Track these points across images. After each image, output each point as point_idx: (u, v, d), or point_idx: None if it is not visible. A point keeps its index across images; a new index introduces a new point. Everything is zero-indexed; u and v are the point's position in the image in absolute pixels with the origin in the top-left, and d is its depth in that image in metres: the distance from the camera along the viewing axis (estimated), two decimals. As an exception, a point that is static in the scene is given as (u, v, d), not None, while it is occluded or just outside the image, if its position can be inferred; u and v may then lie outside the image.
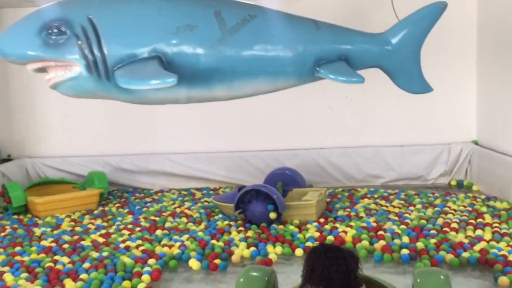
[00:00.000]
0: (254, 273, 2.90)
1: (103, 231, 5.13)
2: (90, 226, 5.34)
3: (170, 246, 4.59)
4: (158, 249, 4.53)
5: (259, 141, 7.05)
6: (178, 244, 4.63)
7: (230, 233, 4.92)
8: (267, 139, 7.04)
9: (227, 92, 3.98)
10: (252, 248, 4.44)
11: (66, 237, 4.96)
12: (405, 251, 4.19)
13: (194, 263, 4.21)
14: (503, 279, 3.67)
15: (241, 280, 2.83)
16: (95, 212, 5.92)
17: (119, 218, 5.58)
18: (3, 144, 7.16)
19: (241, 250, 4.40)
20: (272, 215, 5.06)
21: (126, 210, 5.93)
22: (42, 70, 3.82)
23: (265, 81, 4.01)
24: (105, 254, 4.43)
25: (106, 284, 3.79)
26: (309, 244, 4.51)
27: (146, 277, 3.90)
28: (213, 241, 4.66)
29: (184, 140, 7.10)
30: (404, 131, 6.96)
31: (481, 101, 6.77)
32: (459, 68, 6.84)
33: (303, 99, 6.89)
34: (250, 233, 4.87)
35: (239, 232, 4.94)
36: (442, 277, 2.73)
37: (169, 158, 7.02)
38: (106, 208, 6.06)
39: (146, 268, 4.06)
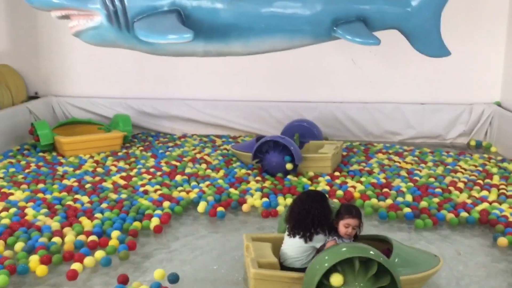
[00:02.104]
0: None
1: (124, 174, 5.32)
2: (112, 168, 5.54)
3: (188, 192, 4.78)
4: (176, 194, 4.72)
5: (279, 92, 7.09)
6: (196, 190, 4.81)
7: (248, 182, 5.07)
8: (287, 90, 7.08)
9: (244, 48, 4.02)
10: (264, 199, 4.60)
11: (88, 178, 5.17)
12: (407, 210, 4.30)
13: (201, 207, 4.43)
14: (502, 240, 3.77)
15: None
16: (119, 154, 6.13)
17: (142, 161, 5.78)
18: (30, 82, 7.38)
19: (253, 200, 4.56)
20: (289, 166, 5.19)
21: (149, 154, 6.13)
22: (66, 17, 3.91)
23: (282, 39, 4.02)
24: (123, 196, 4.64)
25: (117, 223, 4.00)
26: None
27: (155, 220, 4.11)
28: (231, 189, 4.82)
29: (203, 87, 7.20)
30: (426, 89, 6.89)
31: (508, 62, 6.60)
32: (488, 27, 6.64)
33: (326, 52, 6.81)
34: (267, 183, 5.01)
35: (257, 181, 5.08)
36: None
37: (189, 104, 7.16)
38: (130, 151, 6.27)
39: (157, 211, 4.27)
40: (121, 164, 5.70)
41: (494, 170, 5.46)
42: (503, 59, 6.68)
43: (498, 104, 6.73)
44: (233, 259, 3.57)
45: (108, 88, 7.31)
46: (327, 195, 3.24)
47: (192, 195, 4.69)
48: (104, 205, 4.41)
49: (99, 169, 5.49)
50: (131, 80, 7.29)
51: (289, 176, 5.23)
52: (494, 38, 6.66)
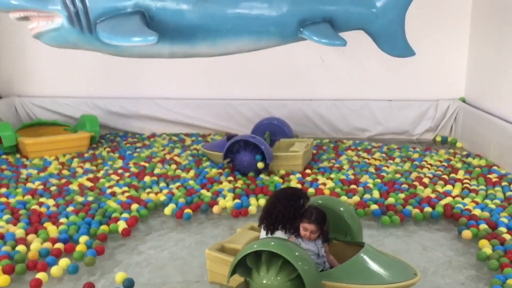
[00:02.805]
0: (282, 240, 2.94)
1: (91, 176, 5.22)
2: (78, 169, 5.43)
3: (157, 193, 4.72)
4: (144, 196, 4.66)
5: (249, 90, 7.08)
6: (165, 191, 4.75)
7: (220, 182, 5.03)
8: (256, 88, 7.07)
9: (210, 49, 3.98)
10: (236, 200, 4.56)
11: (53, 180, 5.04)
12: (375, 206, 4.36)
13: (168, 209, 4.38)
14: (466, 232, 3.87)
15: (284, 251, 2.75)
16: (85, 155, 6.01)
17: (109, 163, 5.68)
18: (-8, 82, 7.16)
19: (225, 202, 4.52)
20: (260, 165, 5.20)
21: (117, 155, 6.03)
22: (26, 18, 3.79)
23: (248, 40, 4.00)
24: (90, 198, 4.55)
25: (83, 228, 3.92)
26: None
27: (122, 223, 4.04)
28: (203, 191, 4.77)
29: (173, 86, 7.12)
30: (393, 85, 6.99)
31: (472, 59, 6.76)
32: (452, 26, 6.77)
33: (295, 49, 6.76)
34: (239, 183, 4.99)
35: (229, 181, 5.05)
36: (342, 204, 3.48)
37: (158, 103, 7.07)
38: (97, 152, 6.15)
39: (124, 215, 4.19)
40: (88, 165, 5.59)
41: (459, 165, 5.59)
42: (467, 56, 6.83)
43: (463, 100, 6.89)
44: (202, 262, 3.55)
45: (73, 87, 7.15)
46: (307, 195, 3.25)
47: (162, 197, 4.63)
48: (70, 208, 4.31)
49: (65, 171, 5.37)
50: (98, 79, 7.15)
51: (261, 175, 5.23)
52: (458, 36, 6.80)
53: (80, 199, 4.54)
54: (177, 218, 4.30)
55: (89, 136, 6.25)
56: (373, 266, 2.91)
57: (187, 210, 4.33)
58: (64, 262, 3.41)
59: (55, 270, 3.33)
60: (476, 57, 6.65)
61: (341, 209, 3.35)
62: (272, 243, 2.80)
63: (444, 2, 6.74)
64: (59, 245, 3.66)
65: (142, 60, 6.92)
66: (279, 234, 3.11)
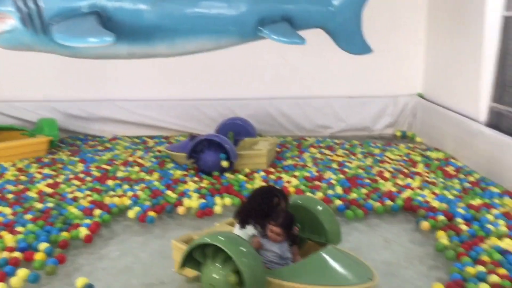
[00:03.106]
0: (231, 235, 2.98)
1: (50, 181, 5.07)
2: (37, 175, 5.26)
3: (121, 196, 4.63)
4: (108, 200, 4.57)
5: (211, 90, 7.06)
6: (130, 193, 4.67)
7: (185, 183, 4.99)
8: (219, 88, 7.06)
9: (169, 49, 3.96)
10: (201, 200, 4.53)
11: (10, 187, 4.87)
12: (339, 202, 4.43)
13: (131, 213, 4.31)
14: (425, 224, 3.99)
15: (229, 247, 2.80)
16: (44, 160, 5.84)
17: (70, 167, 5.54)
18: None
19: (191, 202, 4.49)
20: (224, 164, 5.19)
21: (77, 159, 5.89)
22: (-23, 20, 3.66)
23: (208, 39, 4.00)
24: (50, 205, 4.41)
25: (43, 236, 3.79)
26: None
27: (84, 229, 3.93)
28: (168, 192, 4.72)
29: (134, 87, 7.02)
30: (354, 83, 7.12)
31: (428, 56, 6.96)
32: (409, 23, 6.96)
33: (257, 49, 6.76)
34: (204, 183, 4.96)
35: (194, 182, 5.02)
36: (319, 203, 3.42)
37: (119, 105, 6.95)
38: (56, 156, 5.99)
39: (86, 221, 4.09)
40: (47, 170, 5.43)
41: (418, 158, 5.75)
42: (424, 53, 7.03)
43: (421, 96, 7.08)
44: (166, 264, 3.52)
45: (30, 90, 6.93)
46: (285, 195, 3.27)
47: (126, 200, 4.55)
48: (28, 216, 4.16)
49: (22, 177, 5.20)
50: (55, 82, 6.96)
51: (226, 174, 5.22)
52: (415, 33, 6.99)
53: (39, 206, 4.39)
54: (141, 222, 4.24)
55: (47, 140, 6.07)
56: (328, 266, 2.89)
57: (151, 213, 4.26)
58: (23, 272, 3.30)
59: (15, 280, 3.22)
60: (432, 54, 6.85)
61: (319, 209, 3.33)
62: (219, 237, 2.84)
63: (401, 0, 6.90)
64: (17, 254, 3.54)
65: (101, 61, 6.79)
66: (250, 229, 3.13)
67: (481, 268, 3.22)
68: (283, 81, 7.11)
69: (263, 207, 3.16)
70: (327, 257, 2.94)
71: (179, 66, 6.89)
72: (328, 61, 7.02)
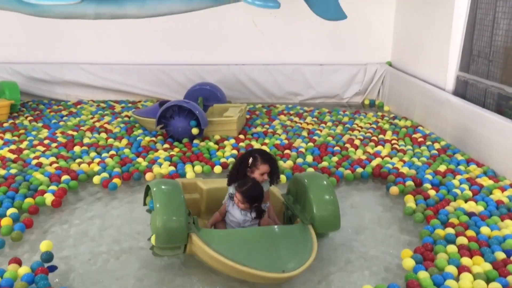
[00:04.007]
0: (168, 186, 3.05)
1: (13, 147, 4.90)
2: (-2, 141, 5.09)
3: (89, 163, 4.53)
4: (75, 166, 4.45)
5: (180, 55, 6.91)
6: (97, 160, 4.58)
7: (156, 150, 4.92)
8: (188, 53, 6.92)
9: (139, 11, 3.82)
10: (171, 168, 4.48)
11: (-30, 153, 4.69)
12: (310, 170, 4.46)
13: (96, 179, 4.24)
14: (394, 188, 4.09)
15: (159, 195, 2.92)
16: (5, 125, 5.61)
17: (33, 133, 5.36)
18: None
19: (161, 170, 4.42)
20: (194, 131, 5.13)
21: (41, 124, 5.71)
22: None
23: (179, 1, 3.87)
24: (13, 171, 4.26)
25: (7, 203, 3.67)
26: (224, 160, 4.67)
27: (49, 196, 3.83)
28: (139, 159, 4.63)
29: (100, 50, 6.80)
30: (324, 50, 7.11)
31: (398, 25, 7.00)
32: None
33: (227, 13, 6.73)
34: (175, 151, 4.89)
35: (165, 149, 4.95)
36: (324, 181, 3.19)
37: (84, 69, 6.73)
38: (17, 121, 5.78)
39: (52, 187, 3.98)
40: (8, 136, 5.23)
41: (387, 126, 5.84)
42: (393, 21, 7.06)
43: (389, 64, 7.15)
44: (135, 229, 3.49)
45: (-12, 52, 6.62)
46: (264, 155, 3.20)
47: (95, 167, 4.45)
48: (-10, 182, 4.02)
49: (-17, 143, 5.01)
50: (17, 43, 6.66)
51: (196, 141, 5.17)
52: (385, 2, 7.00)
53: (2, 172, 4.24)
54: (104, 188, 4.16)
55: (8, 104, 5.85)
56: (253, 244, 2.81)
57: (115, 180, 4.17)
58: None
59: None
60: (401, 23, 6.89)
61: (315, 189, 3.09)
62: (156, 183, 3.06)
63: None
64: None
65: (66, 22, 6.53)
66: (231, 189, 3.15)
67: (450, 231, 3.33)
68: (253, 47, 7.03)
69: (238, 169, 3.18)
70: (262, 234, 2.88)
71: (147, 30, 6.71)
72: (299, 28, 6.97)
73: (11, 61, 6.64)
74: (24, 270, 2.84)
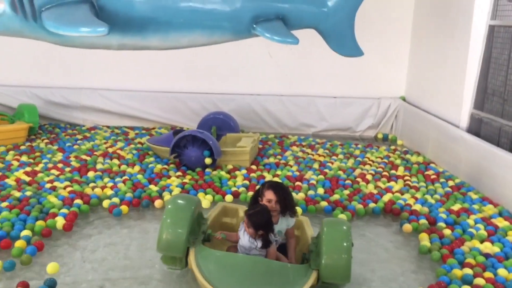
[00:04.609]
0: (181, 201, 3.27)
1: (28, 169, 4.96)
2: (14, 162, 5.14)
3: (103, 188, 4.56)
4: (88, 190, 4.47)
5: (196, 83, 7.01)
6: (110, 185, 4.61)
7: (169, 177, 4.94)
8: (204, 82, 7.02)
9: (162, 43, 3.90)
10: (184, 195, 4.49)
11: (-14, 174, 4.75)
12: (324, 203, 4.44)
13: (105, 203, 4.27)
14: (407, 226, 4.05)
15: (169, 207, 3.18)
16: (22, 147, 5.70)
17: (48, 156, 5.43)
18: None
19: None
20: (208, 161, 5.16)
21: (56, 147, 5.78)
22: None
23: (201, 35, 3.95)
24: (28, 193, 4.31)
25: (18, 225, 3.72)
26: (235, 189, 4.67)
27: (60, 219, 3.86)
28: (151, 186, 4.66)
29: (118, 77, 6.92)
30: (338, 83, 7.17)
31: (412, 60, 7.06)
32: (395, 27, 7.07)
33: (244, 44, 6.76)
34: (187, 178, 4.92)
35: (177, 177, 4.97)
36: (344, 227, 3.05)
37: (101, 94, 6.84)
38: (34, 144, 5.86)
39: (63, 210, 4.01)
40: (24, 158, 5.30)
41: (398, 161, 5.82)
42: (408, 57, 7.13)
43: (403, 99, 7.18)
44: (146, 256, 3.49)
45: (10, 75, 6.77)
46: (273, 186, 3.24)
47: (108, 191, 4.48)
48: (4, 204, 4.06)
49: (-1, 164, 5.08)
50: (37, 67, 6.81)
51: (208, 170, 5.19)
52: (400, 37, 7.09)
53: (17, 194, 4.29)
54: (109, 213, 4.18)
55: (27, 127, 5.94)
56: (242, 274, 2.85)
57: (122, 207, 4.19)
58: None
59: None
60: (417, 58, 6.94)
61: (328, 234, 2.99)
62: (174, 196, 3.42)
63: (388, 5, 6.98)
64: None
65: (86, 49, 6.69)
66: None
67: (468, 271, 3.28)
68: (268, 78, 7.11)
69: (255, 196, 3.28)
70: (256, 264, 2.89)
71: (165, 58, 6.82)
72: (314, 60, 7.05)
73: (31, 84, 6.78)
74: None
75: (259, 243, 3.04)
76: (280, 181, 4.84)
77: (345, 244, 2.89)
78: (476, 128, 5.42)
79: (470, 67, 5.45)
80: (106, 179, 4.78)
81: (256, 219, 3.01)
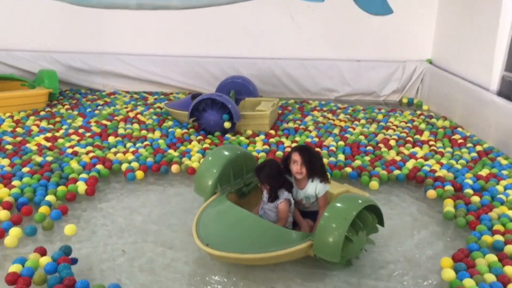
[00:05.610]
0: (225, 148, 3.40)
1: (49, 134, 4.95)
2: (34, 128, 5.13)
3: (125, 153, 4.55)
4: (110, 156, 4.46)
5: (217, 48, 6.86)
6: (132, 150, 4.59)
7: (190, 141, 4.89)
8: (225, 46, 6.86)
9: (182, 2, 3.75)
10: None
11: (8, 138, 4.76)
12: (349, 169, 4.30)
13: (123, 168, 4.25)
14: (431, 192, 3.92)
15: (213, 150, 3.40)
16: (42, 113, 5.69)
17: (69, 121, 5.42)
18: None
19: (191, 162, 4.39)
20: (227, 125, 5.08)
21: (76, 112, 5.77)
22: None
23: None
24: (49, 158, 4.31)
25: (40, 190, 3.71)
26: (255, 154, 4.60)
27: (81, 184, 3.85)
28: (171, 151, 4.61)
29: (137, 41, 6.81)
30: (362, 46, 6.92)
31: (440, 21, 6.74)
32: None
33: (265, 8, 6.67)
34: (207, 143, 4.85)
35: (199, 141, 4.91)
36: (353, 206, 2.76)
37: (121, 59, 6.77)
38: (54, 110, 5.86)
39: (83, 175, 4.00)
40: (44, 124, 5.30)
41: (423, 126, 5.63)
42: (435, 18, 6.81)
43: (430, 62, 6.91)
44: (165, 220, 3.48)
45: (31, 40, 6.72)
46: (299, 150, 3.17)
47: (130, 156, 4.45)
48: (25, 169, 4.06)
49: (19, 129, 5.08)
50: (57, 32, 6.74)
51: (227, 135, 5.12)
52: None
53: (38, 159, 4.30)
54: (124, 176, 4.16)
55: (47, 92, 5.93)
56: (235, 226, 2.91)
57: (138, 172, 4.16)
58: (14, 231, 3.17)
59: (8, 240, 3.11)
60: (444, 19, 6.63)
61: (333, 203, 2.82)
62: (221, 146, 3.61)
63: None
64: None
65: (106, 12, 6.60)
66: None
67: (499, 237, 3.17)
68: (290, 42, 6.91)
69: (283, 160, 3.25)
70: (252, 221, 2.92)
71: (185, 22, 6.69)
72: (336, 23, 6.81)
73: (50, 49, 6.74)
74: (46, 260, 2.84)
75: (265, 195, 3.12)
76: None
77: (341, 223, 2.67)
78: (507, 91, 5.18)
79: (502, 26, 5.16)
80: (128, 144, 4.76)
81: (260, 171, 3.11)
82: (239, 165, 3.35)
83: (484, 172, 4.26)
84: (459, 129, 5.53)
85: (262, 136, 5.14)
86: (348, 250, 2.75)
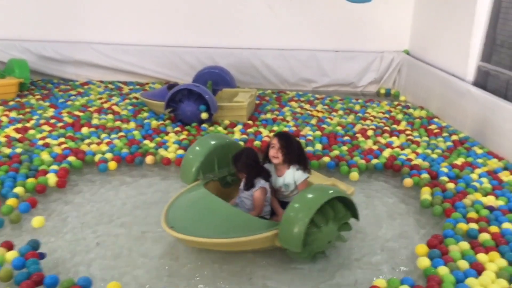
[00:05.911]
0: (210, 137, 3.38)
1: (19, 125, 4.80)
2: (3, 118, 4.97)
3: (99, 143, 4.44)
4: (84, 147, 4.34)
5: (193, 37, 6.75)
6: (106, 140, 4.48)
7: (167, 133, 4.81)
8: (201, 36, 6.75)
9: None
10: (179, 151, 4.35)
11: (-25, 130, 4.61)
12: (327, 158, 4.28)
13: (96, 159, 4.15)
14: (408, 180, 3.93)
15: (199, 138, 3.41)
16: (11, 103, 5.52)
17: (39, 112, 5.26)
18: None
19: (167, 153, 4.31)
20: (204, 116, 5.01)
21: (48, 103, 5.61)
22: None
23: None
24: (18, 150, 4.16)
25: (8, 182, 3.59)
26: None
27: (52, 176, 3.74)
28: (147, 141, 4.53)
29: (112, 30, 6.65)
30: (340, 36, 6.89)
31: (417, 12, 6.75)
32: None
33: (242, -4, 6.59)
34: (184, 134, 4.78)
35: (176, 133, 4.83)
36: (320, 197, 2.68)
37: (95, 48, 6.60)
38: (25, 100, 5.69)
39: (53, 167, 3.89)
40: (14, 114, 5.13)
41: (400, 116, 5.64)
42: (412, 9, 6.81)
43: (407, 53, 6.92)
44: (139, 213, 3.40)
45: (1, 28, 6.50)
46: (281, 136, 3.16)
47: (104, 147, 4.34)
48: (-6, 161, 3.92)
49: (-13, 121, 4.91)
50: (28, 20, 6.53)
51: (205, 125, 5.04)
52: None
53: (7, 151, 4.15)
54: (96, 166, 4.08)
55: (17, 82, 5.76)
56: (201, 212, 2.90)
57: (111, 163, 4.06)
58: None
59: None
60: (421, 10, 6.64)
61: (302, 193, 2.80)
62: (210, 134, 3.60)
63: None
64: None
65: (79, 1, 6.42)
66: None
67: (473, 225, 3.19)
68: (267, 32, 6.84)
69: (266, 150, 3.22)
70: (220, 208, 2.90)
71: (161, 11, 6.56)
72: (315, 13, 6.77)
73: (21, 38, 6.53)
74: (13, 254, 2.74)
75: (242, 184, 3.11)
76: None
77: (305, 212, 2.60)
78: (483, 81, 5.21)
79: (478, 17, 5.18)
80: (103, 135, 4.64)
81: (237, 159, 3.10)
82: (225, 154, 3.30)
83: (459, 161, 4.29)
84: (435, 119, 5.56)
85: (240, 126, 5.08)
86: (314, 240, 2.69)
